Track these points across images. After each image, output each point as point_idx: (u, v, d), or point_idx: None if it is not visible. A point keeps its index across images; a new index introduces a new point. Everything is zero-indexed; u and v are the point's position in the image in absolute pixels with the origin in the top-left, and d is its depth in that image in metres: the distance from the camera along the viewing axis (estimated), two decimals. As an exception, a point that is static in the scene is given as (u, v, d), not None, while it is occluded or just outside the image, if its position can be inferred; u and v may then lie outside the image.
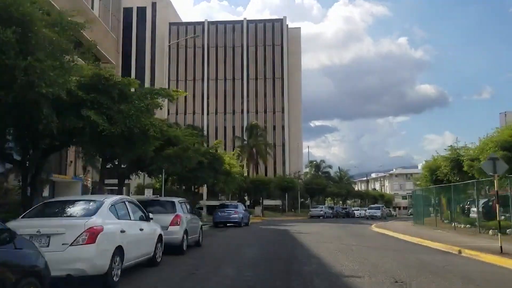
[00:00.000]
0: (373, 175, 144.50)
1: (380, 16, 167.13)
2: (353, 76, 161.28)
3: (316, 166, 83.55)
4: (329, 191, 66.22)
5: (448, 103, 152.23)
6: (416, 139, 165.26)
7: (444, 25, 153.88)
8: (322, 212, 52.19)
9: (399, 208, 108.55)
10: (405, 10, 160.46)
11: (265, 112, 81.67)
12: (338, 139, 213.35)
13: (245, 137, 61.26)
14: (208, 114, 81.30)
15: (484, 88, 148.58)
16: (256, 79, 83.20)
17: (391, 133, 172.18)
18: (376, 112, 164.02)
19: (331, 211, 54.83)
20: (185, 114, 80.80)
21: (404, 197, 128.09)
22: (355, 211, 64.08)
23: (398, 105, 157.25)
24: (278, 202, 63.87)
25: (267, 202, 65.96)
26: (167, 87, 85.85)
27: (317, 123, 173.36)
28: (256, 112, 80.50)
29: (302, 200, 68.36)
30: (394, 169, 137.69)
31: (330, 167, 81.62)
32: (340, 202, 75.99)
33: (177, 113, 77.81)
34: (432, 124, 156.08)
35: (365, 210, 69.12)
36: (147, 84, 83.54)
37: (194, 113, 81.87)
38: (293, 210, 63.93)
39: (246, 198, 59.21)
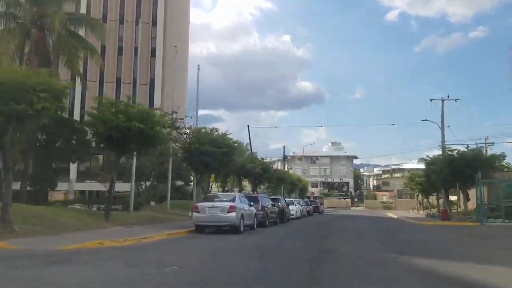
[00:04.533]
0: (267, 159, 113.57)
1: (268, 12, 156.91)
2: (240, 68, 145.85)
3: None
4: (238, 165, 29.89)
5: (324, 101, 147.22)
6: (294, 133, 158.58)
7: (324, 26, 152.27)
8: (233, 214, 15.78)
9: (309, 197, 77.27)
10: (291, 8, 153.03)
11: None
12: (223, 129, 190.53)
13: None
14: None
15: (357, 88, 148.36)
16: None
17: (272, 126, 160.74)
18: (260, 105, 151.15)
19: (253, 209, 18.37)
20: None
21: (314, 185, 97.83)
22: (290, 206, 28.88)
23: (281, 99, 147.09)
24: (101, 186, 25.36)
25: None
26: None
27: (203, 112, 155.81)
28: None
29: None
30: (292, 152, 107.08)
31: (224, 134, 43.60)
32: (248, 186, 40.96)
33: None
34: (309, 120, 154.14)
35: (299, 203, 34.48)
36: None
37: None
38: (142, 203, 26.15)
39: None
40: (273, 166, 54.15)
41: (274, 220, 22.74)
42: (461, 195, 41.66)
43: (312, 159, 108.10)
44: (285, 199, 29.83)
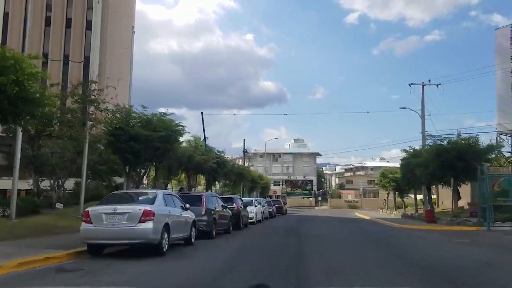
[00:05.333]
0: (228, 156, 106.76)
1: (231, 10, 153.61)
2: (202, 66, 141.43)
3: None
4: (184, 156, 23.22)
5: (286, 100, 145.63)
6: (256, 132, 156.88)
7: (287, 27, 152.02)
8: (147, 225, 9.14)
9: (271, 196, 71.67)
10: (254, 8, 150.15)
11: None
12: (185, 128, 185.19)
13: None
14: None
15: (318, 89, 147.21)
16: None
17: (235, 125, 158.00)
18: (222, 104, 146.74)
19: (190, 214, 11.99)
20: None
21: (276, 183, 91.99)
22: (248, 208, 22.53)
23: (243, 98, 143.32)
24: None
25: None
26: None
27: (164, 110, 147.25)
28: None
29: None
30: (254, 149, 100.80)
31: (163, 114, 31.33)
32: (202, 184, 34.25)
33: None
34: (271, 119, 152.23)
35: (260, 204, 28.36)
36: None
37: None
38: (52, 205, 18.73)
39: None
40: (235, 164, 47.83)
41: (226, 228, 16.44)
42: (436, 194, 37.01)
43: (275, 156, 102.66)
44: (242, 198, 23.45)
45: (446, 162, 24.22)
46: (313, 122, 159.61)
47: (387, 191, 46.28)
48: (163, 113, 20.29)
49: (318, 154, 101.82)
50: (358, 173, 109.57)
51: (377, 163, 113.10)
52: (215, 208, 15.03)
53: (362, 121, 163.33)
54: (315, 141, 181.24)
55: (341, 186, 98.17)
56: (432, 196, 36.69)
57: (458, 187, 26.22)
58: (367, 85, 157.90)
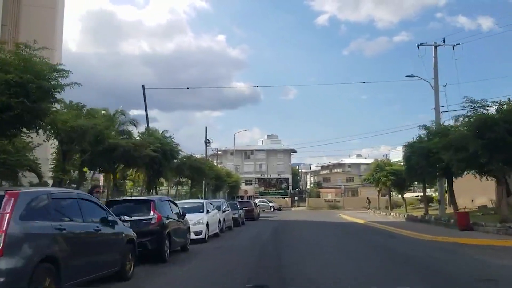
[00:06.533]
0: (198, 156, 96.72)
1: (202, 11, 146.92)
2: (174, 67, 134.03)
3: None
4: (91, 133, 13.67)
5: (260, 101, 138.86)
6: (229, 133, 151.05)
7: (259, 28, 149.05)
8: None
9: (242, 197, 62.69)
10: (225, 9, 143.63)
11: None
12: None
13: None
14: None
15: (290, 89, 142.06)
16: None
17: (208, 126, 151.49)
18: (195, 105, 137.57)
19: None
20: None
21: (248, 182, 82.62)
22: (192, 216, 13.20)
23: (216, 100, 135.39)
24: None
25: None
26: None
27: (136, 112, 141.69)
28: None
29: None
30: (225, 147, 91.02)
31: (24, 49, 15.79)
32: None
33: None
34: (244, 120, 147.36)
35: (218, 208, 18.94)
36: None
37: None
38: None
39: None
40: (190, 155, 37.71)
41: (118, 269, 7.04)
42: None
43: (247, 154, 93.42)
44: (173, 201, 13.18)
45: (494, 141, 15.65)
46: (287, 120, 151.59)
47: (379, 188, 37.74)
48: (25, 44, 10.72)
49: (293, 151, 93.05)
50: (335, 170, 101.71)
51: (354, 160, 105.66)
52: (62, 229, 5.58)
53: (340, 118, 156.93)
54: (289, 141, 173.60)
55: (318, 185, 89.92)
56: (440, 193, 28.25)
57: (505, 178, 17.72)
58: (339, 85, 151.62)
